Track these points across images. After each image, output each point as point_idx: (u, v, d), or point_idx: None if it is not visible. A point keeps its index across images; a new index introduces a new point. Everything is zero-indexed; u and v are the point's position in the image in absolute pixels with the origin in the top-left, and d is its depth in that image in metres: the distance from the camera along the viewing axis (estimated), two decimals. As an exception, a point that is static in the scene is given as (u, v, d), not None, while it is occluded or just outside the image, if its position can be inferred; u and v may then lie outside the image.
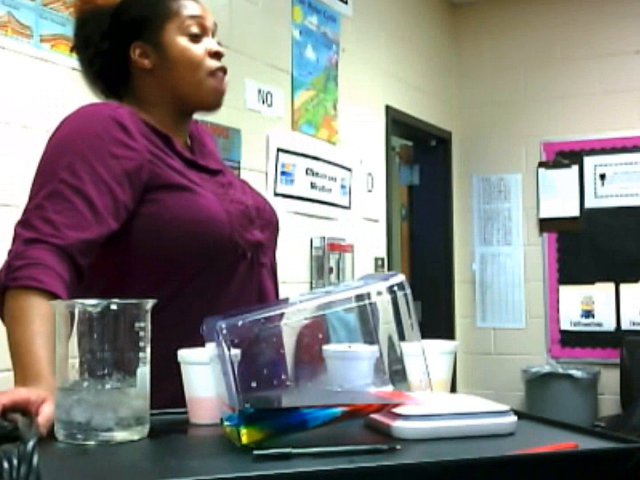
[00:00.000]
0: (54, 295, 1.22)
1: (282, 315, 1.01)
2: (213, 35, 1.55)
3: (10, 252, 1.29)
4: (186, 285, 1.42)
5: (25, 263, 1.25)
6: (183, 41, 1.50)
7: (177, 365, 1.15)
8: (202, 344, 1.13)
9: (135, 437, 1.02)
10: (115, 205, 1.36)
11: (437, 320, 5.25)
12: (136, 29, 1.51)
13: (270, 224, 1.60)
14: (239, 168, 3.36)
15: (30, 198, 1.35)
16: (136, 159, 1.40)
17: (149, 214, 1.41)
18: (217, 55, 1.52)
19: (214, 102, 1.53)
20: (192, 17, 1.51)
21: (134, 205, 1.40)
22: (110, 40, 1.51)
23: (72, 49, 1.58)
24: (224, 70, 1.53)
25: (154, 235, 1.41)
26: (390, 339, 1.03)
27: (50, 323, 1.20)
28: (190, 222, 1.40)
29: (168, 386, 1.16)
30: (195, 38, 1.51)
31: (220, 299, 1.44)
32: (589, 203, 5.19)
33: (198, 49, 1.50)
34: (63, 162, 1.36)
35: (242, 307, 1.40)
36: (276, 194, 3.56)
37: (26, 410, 1.03)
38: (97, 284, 1.39)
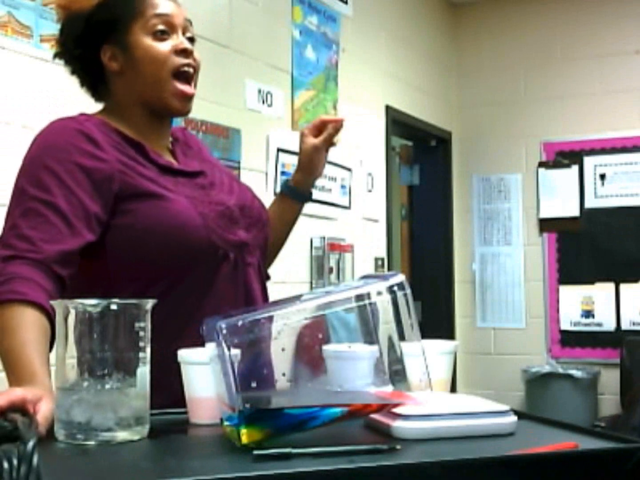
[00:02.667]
0: (36, 305, 1.23)
1: (282, 315, 1.01)
2: (184, 32, 1.52)
3: None
4: (169, 290, 1.41)
5: (4, 279, 1.26)
6: (147, 40, 1.48)
7: (164, 367, 1.15)
8: (188, 346, 1.14)
9: (135, 437, 1.02)
10: (87, 216, 1.37)
11: (437, 320, 5.25)
12: (105, 32, 1.49)
13: (259, 222, 1.58)
14: (239, 168, 3.36)
15: (6, 219, 1.37)
16: (105, 170, 1.40)
17: (123, 225, 1.41)
18: (184, 52, 1.49)
19: (179, 107, 1.50)
20: (158, 15, 1.48)
21: (107, 216, 1.40)
22: (83, 45, 1.50)
23: (54, 56, 1.58)
24: (193, 67, 1.50)
25: (130, 245, 1.41)
26: (390, 339, 1.03)
27: (37, 330, 1.21)
28: (164, 229, 1.40)
29: (157, 388, 1.15)
30: (160, 36, 1.48)
31: (204, 302, 1.43)
32: (589, 203, 5.19)
33: (163, 47, 1.48)
34: (33, 179, 1.37)
35: (227, 308, 1.40)
36: (276, 194, 3.56)
37: (24, 409, 1.03)
38: (84, 297, 1.39)
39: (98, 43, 1.49)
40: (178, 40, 1.49)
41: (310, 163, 1.70)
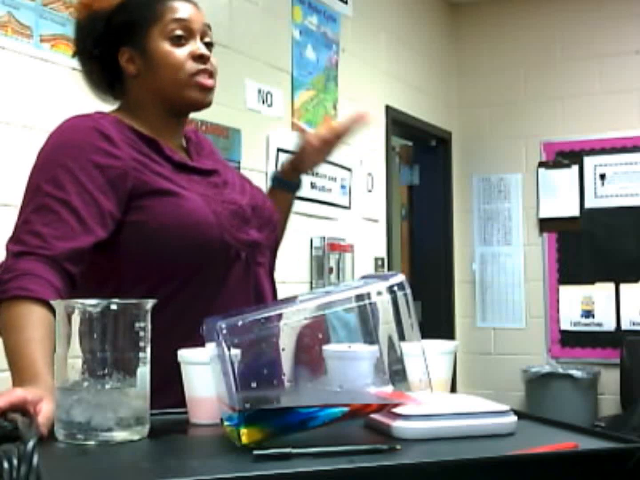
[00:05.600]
0: (44, 302, 1.23)
1: (282, 315, 1.01)
2: (203, 36, 1.52)
3: (0, 267, 1.31)
4: (180, 288, 1.42)
5: (14, 275, 1.27)
6: (165, 46, 1.48)
7: (175, 367, 1.15)
8: (199, 347, 1.13)
9: (135, 437, 1.02)
10: (100, 214, 1.37)
11: (437, 320, 5.25)
12: (124, 34, 1.50)
13: (270, 222, 1.59)
14: (239, 168, 3.36)
15: (19, 215, 1.37)
16: (120, 167, 1.40)
17: (137, 222, 1.41)
18: (201, 58, 1.50)
19: (200, 99, 1.51)
20: (176, 20, 1.49)
21: (121, 214, 1.40)
22: (101, 46, 1.51)
23: (73, 54, 1.58)
24: (208, 72, 1.51)
25: (144, 242, 1.41)
26: (390, 339, 1.03)
27: (43, 328, 1.21)
28: (178, 227, 1.41)
29: (167, 389, 1.16)
30: (178, 42, 1.49)
31: (215, 301, 1.43)
32: (589, 203, 5.19)
33: (180, 53, 1.48)
34: (47, 176, 1.37)
35: (238, 307, 1.40)
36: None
37: (24, 410, 1.03)
38: (94, 294, 1.39)
39: (116, 44, 1.50)
40: (195, 45, 1.50)
41: (305, 163, 1.73)
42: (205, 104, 1.53)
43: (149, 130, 1.50)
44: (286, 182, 1.76)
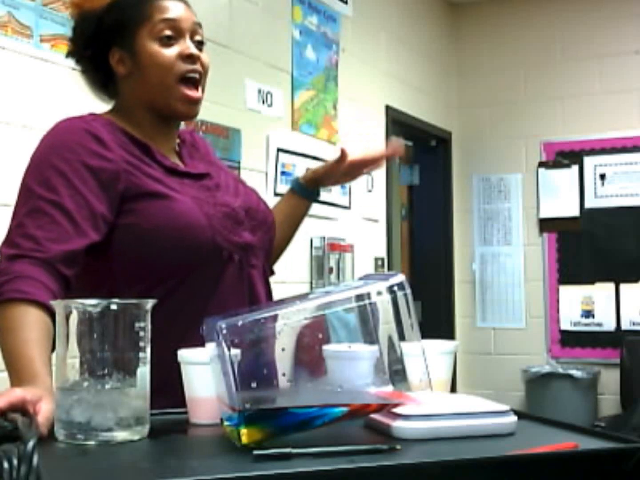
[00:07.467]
0: (39, 304, 1.23)
1: (282, 315, 1.01)
2: (193, 35, 1.50)
3: None
4: (174, 290, 1.42)
5: (9, 278, 1.27)
6: (154, 46, 1.47)
7: (170, 368, 1.15)
8: (195, 347, 1.13)
9: (135, 437, 1.02)
10: (93, 216, 1.37)
11: (437, 320, 5.25)
12: (114, 35, 1.49)
13: (264, 224, 1.58)
14: (239, 168, 3.36)
15: (13, 217, 1.37)
16: (111, 169, 1.40)
17: (129, 225, 1.41)
18: (190, 57, 1.48)
19: (185, 111, 1.50)
20: (165, 20, 1.47)
21: (113, 216, 1.40)
22: (93, 46, 1.51)
23: (66, 54, 1.58)
24: (199, 72, 1.49)
25: (135, 245, 1.41)
26: (390, 339, 1.03)
27: (40, 329, 1.22)
28: (169, 229, 1.40)
29: (164, 390, 1.15)
30: (167, 42, 1.47)
31: (210, 302, 1.43)
32: (589, 203, 5.19)
33: (169, 53, 1.47)
34: (40, 179, 1.37)
35: (232, 310, 1.40)
36: (276, 194, 3.56)
37: (24, 410, 1.03)
38: (90, 296, 1.39)
39: (107, 45, 1.50)
40: (184, 45, 1.48)
41: (329, 179, 1.75)
42: (190, 116, 1.53)
43: (140, 132, 1.50)
44: (305, 189, 1.76)
